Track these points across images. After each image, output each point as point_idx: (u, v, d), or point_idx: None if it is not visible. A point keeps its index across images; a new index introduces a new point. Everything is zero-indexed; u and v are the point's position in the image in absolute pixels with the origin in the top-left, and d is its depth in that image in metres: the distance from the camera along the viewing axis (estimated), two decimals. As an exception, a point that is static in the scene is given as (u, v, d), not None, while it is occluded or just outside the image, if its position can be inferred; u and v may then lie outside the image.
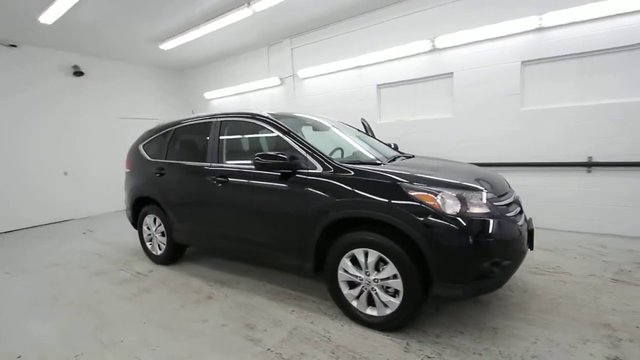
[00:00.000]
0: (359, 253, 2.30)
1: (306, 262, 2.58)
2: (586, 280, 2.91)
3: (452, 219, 2.00)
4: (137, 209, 4.00)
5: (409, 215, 2.07)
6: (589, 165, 4.11)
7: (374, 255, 2.24)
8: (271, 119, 2.92)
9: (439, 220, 2.00)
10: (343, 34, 5.87)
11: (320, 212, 2.42)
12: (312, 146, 2.62)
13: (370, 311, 2.33)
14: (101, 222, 6.47)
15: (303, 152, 2.61)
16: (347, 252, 2.35)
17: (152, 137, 3.97)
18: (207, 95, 8.28)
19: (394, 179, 2.22)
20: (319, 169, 2.50)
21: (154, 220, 3.80)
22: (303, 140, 2.69)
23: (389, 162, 2.80)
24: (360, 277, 2.33)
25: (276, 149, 2.88)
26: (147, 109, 8.09)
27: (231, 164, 3.12)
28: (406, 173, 2.29)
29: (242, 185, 2.93)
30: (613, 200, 4.03)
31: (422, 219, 2.03)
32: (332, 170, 2.45)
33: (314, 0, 5.04)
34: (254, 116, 3.05)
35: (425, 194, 2.09)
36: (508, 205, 2.32)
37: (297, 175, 2.57)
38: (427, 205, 2.05)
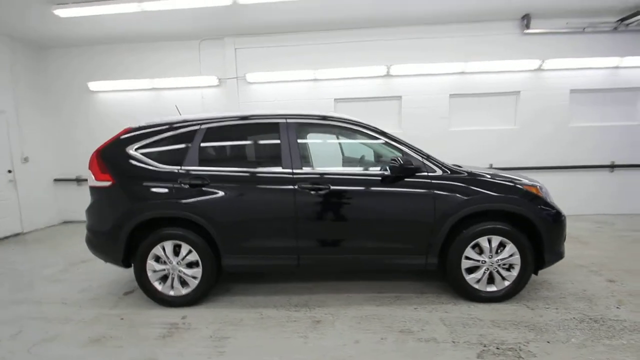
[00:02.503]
0: (483, 240, 2.75)
1: (431, 258, 2.78)
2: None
3: (549, 204, 2.79)
4: (134, 238, 2.86)
5: (529, 203, 2.72)
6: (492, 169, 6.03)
7: (497, 240, 2.75)
8: (373, 127, 2.94)
9: (545, 206, 2.75)
10: (301, 45, 5.98)
11: (450, 210, 2.71)
12: (425, 151, 2.87)
13: (490, 288, 2.81)
14: None
15: (419, 157, 2.82)
16: (471, 242, 2.75)
17: (155, 138, 2.97)
18: (94, 85, 6.26)
19: (505, 177, 2.83)
20: (439, 172, 2.79)
21: (175, 249, 2.85)
22: (415, 146, 2.89)
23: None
24: (484, 260, 2.78)
25: (376, 154, 2.94)
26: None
27: (326, 170, 2.87)
28: (503, 173, 2.94)
29: (348, 192, 2.78)
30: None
31: (538, 206, 2.73)
32: (450, 173, 2.80)
33: (262, 9, 5.00)
34: (352, 122, 2.95)
35: (531, 186, 2.81)
36: None
37: (417, 179, 2.75)
38: (535, 195, 2.77)
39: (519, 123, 5.94)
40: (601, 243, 4.39)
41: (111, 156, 2.97)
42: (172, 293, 2.90)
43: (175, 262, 2.86)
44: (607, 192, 5.91)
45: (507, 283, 2.80)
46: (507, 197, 2.74)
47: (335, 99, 6.10)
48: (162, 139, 2.97)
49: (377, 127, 2.99)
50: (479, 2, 5.04)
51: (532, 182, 2.86)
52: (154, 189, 2.84)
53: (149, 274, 2.88)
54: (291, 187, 2.78)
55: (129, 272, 3.69)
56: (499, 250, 2.77)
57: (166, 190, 2.82)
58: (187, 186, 2.81)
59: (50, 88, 6.48)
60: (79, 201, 6.38)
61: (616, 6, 5.20)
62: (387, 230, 2.80)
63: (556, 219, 2.77)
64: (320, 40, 5.95)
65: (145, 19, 5.19)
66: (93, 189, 2.97)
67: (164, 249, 2.85)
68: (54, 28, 5.47)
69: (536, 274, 2.86)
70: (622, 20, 5.36)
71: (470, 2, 5.04)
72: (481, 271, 2.80)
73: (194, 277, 2.87)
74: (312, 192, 2.76)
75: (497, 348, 2.22)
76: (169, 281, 2.89)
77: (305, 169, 2.85)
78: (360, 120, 3.00)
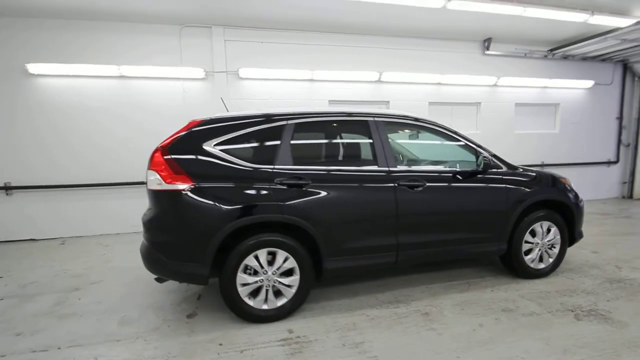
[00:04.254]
0: (537, 226, 3.26)
1: (502, 244, 3.16)
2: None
3: (576, 193, 3.46)
4: (223, 247, 2.47)
5: (567, 193, 3.34)
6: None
7: (546, 225, 3.29)
8: (454, 130, 3.18)
9: (575, 195, 3.42)
10: (297, 45, 5.85)
11: (518, 201, 3.13)
12: (492, 151, 3.24)
13: (540, 265, 3.33)
14: None
15: (489, 156, 3.17)
16: (530, 228, 3.23)
17: (237, 133, 2.62)
18: (35, 68, 4.92)
19: (546, 172, 3.40)
20: (504, 168, 3.20)
21: (275, 258, 2.56)
22: (484, 147, 3.23)
23: None
24: (537, 242, 3.28)
25: (443, 153, 3.18)
26: None
27: (417, 168, 3.00)
28: (541, 170, 3.52)
29: (440, 188, 2.95)
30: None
31: (571, 194, 3.37)
32: (511, 169, 3.24)
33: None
34: (438, 125, 3.21)
35: (565, 179, 3.44)
36: None
37: (492, 175, 3.10)
38: (569, 186, 3.41)
39: (480, 128, 7.00)
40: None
41: (186, 154, 2.50)
42: (265, 307, 2.59)
43: (270, 272, 2.56)
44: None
45: (551, 260, 3.37)
46: (555, 189, 3.31)
47: (329, 101, 6.16)
48: (244, 135, 2.64)
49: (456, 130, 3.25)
50: (451, 23, 5.74)
51: (563, 176, 3.51)
52: (248, 191, 2.50)
53: (240, 288, 2.51)
54: (391, 184, 2.81)
55: (159, 290, 3.16)
56: (547, 234, 3.32)
57: (264, 192, 2.52)
58: (285, 187, 2.56)
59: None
60: (8, 215, 4.99)
61: (548, 39, 6.63)
62: (472, 220, 3.06)
63: (581, 205, 3.46)
64: (316, 41, 5.93)
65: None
66: (161, 195, 2.44)
67: (257, 258, 2.53)
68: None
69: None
70: (551, 50, 6.87)
71: (446, 23, 5.73)
72: (536, 252, 3.30)
73: (290, 286, 2.62)
74: (411, 190, 2.84)
75: (582, 311, 2.70)
76: (262, 294, 2.58)
77: (400, 167, 2.91)
78: (444, 124, 3.22)
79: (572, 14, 5.19)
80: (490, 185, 3.10)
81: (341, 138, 3.07)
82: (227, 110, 3.21)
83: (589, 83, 7.33)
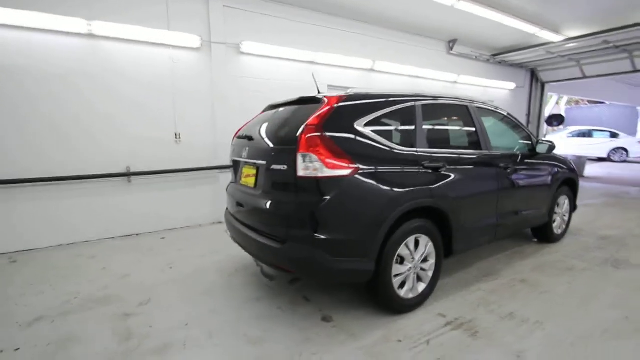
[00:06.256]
0: (561, 199, 3.98)
1: (546, 215, 3.74)
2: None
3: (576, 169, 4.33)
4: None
5: (575, 172, 4.15)
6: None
7: (564, 198, 4.05)
8: (517, 120, 3.55)
9: (576, 172, 4.28)
10: (300, 23, 5.46)
11: (557, 179, 3.77)
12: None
13: (557, 231, 4.08)
14: None
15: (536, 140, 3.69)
16: (556, 201, 3.91)
17: (380, 112, 2.41)
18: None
19: (562, 156, 4.16)
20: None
21: (416, 243, 2.48)
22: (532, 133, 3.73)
23: None
24: (559, 212, 4.01)
25: (505, 137, 3.57)
26: None
27: (505, 150, 3.26)
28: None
29: (520, 169, 3.31)
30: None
31: (574, 172, 4.19)
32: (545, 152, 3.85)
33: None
34: (508, 114, 3.51)
35: (571, 161, 4.27)
36: None
37: (538, 155, 3.61)
38: (573, 166, 4.24)
39: (443, 120, 7.89)
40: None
41: (342, 134, 2.16)
42: (410, 295, 2.49)
43: (417, 259, 2.48)
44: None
45: (564, 226, 4.18)
46: (572, 169, 4.08)
47: (328, 85, 5.98)
48: (385, 114, 2.44)
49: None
50: (424, 20, 6.24)
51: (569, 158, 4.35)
52: (408, 175, 2.35)
53: (393, 280, 2.35)
54: (495, 167, 3.02)
55: (235, 296, 2.82)
56: (564, 205, 4.09)
57: (418, 176, 2.40)
58: (430, 170, 2.49)
59: None
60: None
61: (490, 46, 7.89)
62: (536, 195, 3.55)
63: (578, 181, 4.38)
64: (319, 22, 5.65)
65: None
66: (323, 182, 2.06)
67: (407, 246, 2.41)
68: None
69: None
70: (493, 55, 8.19)
71: (422, 20, 6.21)
72: (558, 220, 4.04)
73: (427, 271, 2.59)
74: (506, 171, 3.11)
75: (608, 262, 3.46)
76: (409, 282, 2.47)
77: (494, 151, 3.13)
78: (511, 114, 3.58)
79: (527, 25, 6.30)
80: (545, 165, 3.64)
81: (451, 121, 3.10)
82: (319, 91, 2.86)
83: (512, 85, 9.06)
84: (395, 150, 2.36)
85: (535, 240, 4.09)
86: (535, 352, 2.05)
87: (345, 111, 2.25)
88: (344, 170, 2.09)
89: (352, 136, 2.19)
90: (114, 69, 4.20)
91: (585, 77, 8.68)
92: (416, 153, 2.46)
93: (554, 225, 3.98)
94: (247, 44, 4.93)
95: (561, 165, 3.91)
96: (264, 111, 3.19)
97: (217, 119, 4.94)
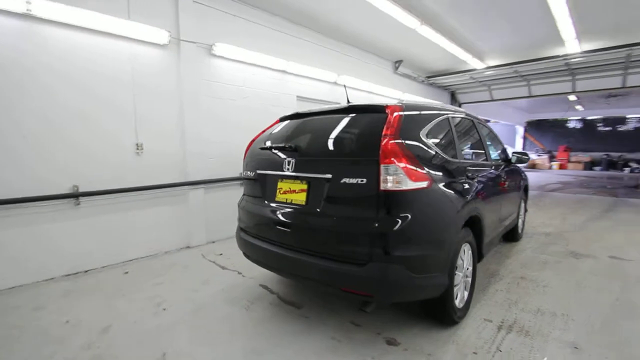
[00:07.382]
0: (522, 202, 4.61)
1: (517, 218, 4.28)
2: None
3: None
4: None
5: (527, 180, 4.87)
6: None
7: (522, 202, 4.71)
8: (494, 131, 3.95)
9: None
10: (273, 30, 5.21)
11: (521, 184, 4.36)
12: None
13: (519, 231, 4.72)
14: None
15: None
16: (520, 205, 4.53)
17: (432, 124, 2.43)
18: None
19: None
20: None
21: (464, 251, 2.54)
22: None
23: None
24: (520, 214, 4.63)
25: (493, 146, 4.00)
26: None
27: (495, 160, 3.59)
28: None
29: (508, 176, 3.70)
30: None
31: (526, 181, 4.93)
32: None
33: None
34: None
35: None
36: None
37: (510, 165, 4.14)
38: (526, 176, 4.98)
39: (392, 133, 8.44)
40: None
41: (415, 143, 2.10)
42: (461, 305, 2.51)
43: (465, 267, 2.53)
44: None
45: (521, 227, 4.84)
46: (526, 176, 4.77)
47: (297, 96, 5.81)
48: (435, 125, 2.46)
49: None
50: (374, 39, 6.60)
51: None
52: (466, 186, 2.42)
53: (454, 290, 2.35)
54: (496, 175, 3.33)
55: (265, 325, 2.54)
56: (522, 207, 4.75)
57: (467, 186, 2.47)
58: (470, 180, 2.59)
59: None
60: None
61: (427, 69, 8.85)
62: (515, 199, 4.02)
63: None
64: (291, 32, 5.50)
65: None
66: (407, 195, 1.94)
67: (460, 256, 2.44)
68: None
69: None
70: (428, 77, 9.19)
71: (375, 40, 6.61)
72: (520, 222, 4.66)
73: (468, 278, 2.67)
74: (502, 178, 3.46)
75: (568, 254, 4.13)
76: (460, 292, 2.49)
77: (492, 161, 3.45)
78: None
79: (463, 52, 7.24)
80: (516, 173, 4.18)
81: (470, 134, 3.26)
82: (348, 101, 2.75)
83: (440, 104, 10.30)
84: (450, 161, 2.39)
85: (501, 240, 4.62)
86: (583, 340, 2.28)
87: (412, 120, 2.19)
88: (423, 182, 2.02)
89: (422, 146, 2.14)
90: (59, 63, 3.30)
91: (493, 100, 10.41)
92: (459, 163, 2.54)
93: (518, 226, 4.59)
94: (221, 45, 4.47)
95: (521, 173, 4.54)
96: (281, 120, 2.91)
97: (186, 125, 4.30)
